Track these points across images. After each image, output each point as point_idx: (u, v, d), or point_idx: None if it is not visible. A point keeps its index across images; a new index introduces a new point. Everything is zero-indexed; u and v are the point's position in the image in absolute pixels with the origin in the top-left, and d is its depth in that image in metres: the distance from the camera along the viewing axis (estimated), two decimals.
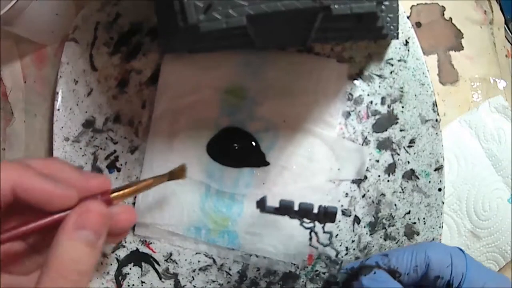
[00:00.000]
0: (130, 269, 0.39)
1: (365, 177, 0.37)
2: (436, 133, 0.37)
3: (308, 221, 0.36)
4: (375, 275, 0.30)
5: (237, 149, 0.37)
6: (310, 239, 0.37)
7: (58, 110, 0.40)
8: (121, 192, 0.28)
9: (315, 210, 0.33)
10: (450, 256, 0.30)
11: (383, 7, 0.34)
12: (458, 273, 0.29)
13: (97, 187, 0.27)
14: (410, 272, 0.30)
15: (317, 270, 0.37)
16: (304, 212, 0.33)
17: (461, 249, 0.31)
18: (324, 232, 0.37)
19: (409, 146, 0.37)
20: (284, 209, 0.33)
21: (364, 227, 0.37)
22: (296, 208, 0.33)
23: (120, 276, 0.39)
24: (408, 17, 0.38)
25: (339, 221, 0.37)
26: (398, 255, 0.31)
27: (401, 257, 0.31)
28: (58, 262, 0.23)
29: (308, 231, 0.36)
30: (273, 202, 0.36)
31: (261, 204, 0.36)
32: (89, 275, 0.24)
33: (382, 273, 0.30)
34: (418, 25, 0.40)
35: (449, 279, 0.29)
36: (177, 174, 0.32)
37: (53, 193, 0.24)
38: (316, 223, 0.36)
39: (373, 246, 0.37)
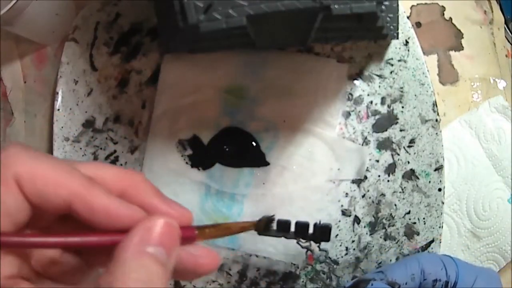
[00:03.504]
0: None
1: (365, 177, 0.37)
2: (436, 133, 0.37)
3: (304, 241, 0.36)
4: (373, 287, 0.31)
5: (237, 149, 0.37)
6: (306, 258, 0.37)
7: (58, 110, 0.40)
8: (208, 230, 0.23)
9: (311, 230, 0.32)
10: (440, 260, 0.32)
11: (383, 7, 0.34)
12: (452, 273, 0.31)
13: (179, 217, 0.21)
14: (408, 281, 0.31)
15: (317, 270, 0.37)
16: (300, 232, 0.33)
17: (447, 255, 0.33)
18: (320, 250, 0.37)
19: (409, 146, 0.37)
20: (281, 229, 0.33)
21: (364, 227, 0.37)
22: (292, 228, 0.32)
23: None
24: (408, 17, 0.38)
25: (339, 221, 0.37)
26: (392, 269, 0.32)
27: (396, 269, 0.32)
28: (123, 285, 0.18)
29: (304, 250, 0.37)
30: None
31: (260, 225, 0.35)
32: None
33: (380, 284, 0.31)
34: (418, 25, 0.40)
35: (446, 280, 0.31)
36: (265, 223, 0.28)
37: (121, 215, 0.20)
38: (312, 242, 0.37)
39: (373, 246, 0.37)
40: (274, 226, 0.29)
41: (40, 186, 0.19)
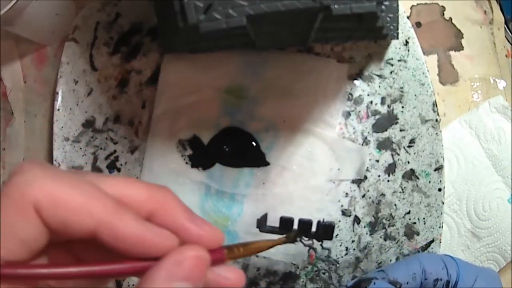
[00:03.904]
0: None
1: (365, 177, 0.37)
2: (436, 133, 0.37)
3: (307, 238, 0.36)
4: (375, 286, 0.31)
5: (237, 149, 0.37)
6: (309, 256, 0.37)
7: (58, 110, 0.40)
8: (237, 252, 0.22)
9: (314, 228, 0.32)
10: (441, 259, 0.32)
11: (383, 7, 0.34)
12: (453, 272, 0.31)
13: (210, 238, 0.20)
14: (409, 281, 0.31)
15: (317, 270, 0.37)
16: (303, 230, 0.33)
17: (448, 255, 0.33)
18: (323, 248, 0.37)
19: (409, 146, 0.37)
20: (284, 227, 0.33)
21: (364, 227, 0.37)
22: (295, 226, 0.32)
23: None
24: (408, 17, 0.38)
25: (339, 221, 0.37)
26: (393, 268, 0.32)
27: (397, 269, 0.32)
28: None
29: (307, 248, 0.37)
30: (275, 217, 0.35)
31: (262, 223, 0.35)
32: None
33: (382, 283, 0.31)
34: (418, 25, 0.40)
35: (447, 279, 0.31)
36: (292, 238, 0.28)
37: (149, 243, 0.18)
38: (315, 240, 0.37)
39: (373, 246, 0.37)
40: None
41: (62, 213, 0.17)
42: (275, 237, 0.27)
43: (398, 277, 0.31)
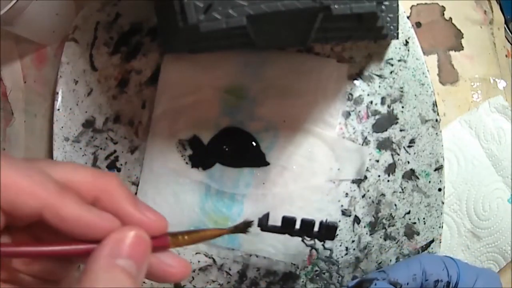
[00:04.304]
0: None
1: (365, 177, 0.37)
2: (436, 133, 0.37)
3: (309, 238, 0.36)
4: (376, 286, 0.31)
5: (237, 149, 0.37)
6: (310, 255, 0.37)
7: (58, 110, 0.40)
8: (181, 238, 0.22)
9: (316, 228, 0.32)
10: (442, 260, 0.32)
11: (383, 7, 0.34)
12: (453, 273, 0.31)
13: (153, 224, 0.21)
14: (410, 282, 0.31)
15: (317, 270, 0.37)
16: (305, 230, 0.33)
17: (448, 256, 0.33)
18: (325, 248, 0.37)
19: (409, 146, 0.37)
20: (286, 226, 0.33)
21: (364, 227, 0.37)
22: (297, 226, 0.32)
23: None
24: (408, 17, 0.38)
25: (339, 221, 0.37)
26: (394, 269, 0.32)
27: (398, 270, 0.32)
28: None
29: (309, 248, 0.37)
30: (275, 216, 0.34)
31: (263, 222, 0.34)
32: None
33: (383, 283, 0.31)
34: (418, 25, 0.40)
35: (448, 280, 0.31)
36: (241, 228, 0.27)
37: (91, 225, 0.19)
38: (317, 240, 0.37)
39: (373, 246, 0.37)
40: (268, 224, 0.30)
41: (10, 195, 0.18)
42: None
43: (399, 278, 0.31)
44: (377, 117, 0.38)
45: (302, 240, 0.36)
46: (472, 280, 0.31)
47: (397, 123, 0.37)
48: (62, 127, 0.40)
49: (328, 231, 0.32)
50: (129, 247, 0.19)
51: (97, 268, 0.18)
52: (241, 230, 0.27)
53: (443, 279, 0.31)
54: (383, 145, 0.37)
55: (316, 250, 0.37)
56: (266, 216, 0.34)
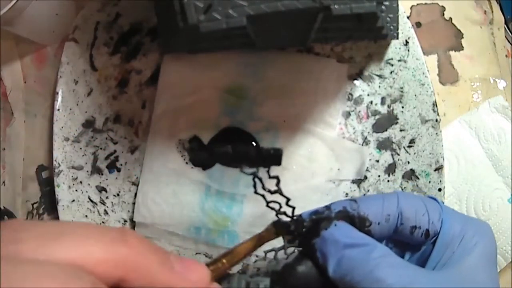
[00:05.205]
0: None
1: (365, 177, 0.37)
2: (436, 133, 0.37)
3: (248, 167, 0.28)
4: (336, 227, 0.25)
5: (238, 149, 0.37)
6: (254, 185, 0.27)
7: (58, 110, 0.40)
8: (221, 264, 0.22)
9: (252, 152, 0.28)
10: (423, 203, 0.26)
11: (383, 7, 0.34)
12: (435, 221, 0.25)
13: (196, 280, 0.18)
14: (381, 222, 0.26)
15: None
16: (241, 156, 0.28)
17: (433, 197, 0.27)
18: (270, 177, 0.28)
19: (409, 146, 0.37)
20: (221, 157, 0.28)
21: None
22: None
23: None
24: (408, 17, 0.38)
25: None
26: (367, 202, 0.26)
27: (371, 204, 0.26)
28: None
29: (251, 177, 0.27)
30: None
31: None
32: None
33: (344, 225, 0.25)
34: (418, 25, 0.40)
35: (427, 228, 0.25)
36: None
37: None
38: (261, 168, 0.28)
39: None
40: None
41: None
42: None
43: (370, 214, 0.26)
44: (377, 117, 0.38)
45: (241, 171, 0.27)
46: (456, 230, 0.25)
47: (397, 123, 0.37)
48: (62, 127, 0.40)
49: (272, 157, 0.27)
50: None
51: None
52: (275, 234, 0.25)
53: (422, 226, 0.25)
54: (383, 145, 0.37)
55: (260, 179, 0.27)
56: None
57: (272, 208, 0.26)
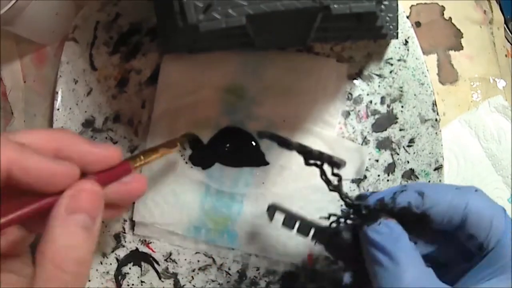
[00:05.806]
0: (130, 268, 0.39)
1: (365, 177, 0.37)
2: (436, 133, 0.37)
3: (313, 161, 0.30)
4: (379, 227, 0.25)
5: (237, 149, 0.37)
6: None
7: (58, 109, 0.40)
8: (138, 159, 0.27)
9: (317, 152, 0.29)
10: (491, 215, 0.25)
11: (382, 6, 0.34)
12: (494, 237, 0.24)
13: (114, 156, 0.24)
14: (442, 223, 0.25)
15: (317, 270, 0.37)
16: (303, 152, 0.30)
17: (503, 209, 0.26)
18: (333, 174, 0.29)
19: (408, 146, 0.37)
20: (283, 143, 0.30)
21: None
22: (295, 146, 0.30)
23: (119, 276, 0.39)
24: (407, 17, 0.38)
25: None
26: (435, 197, 0.25)
27: (438, 200, 0.25)
28: (53, 252, 0.20)
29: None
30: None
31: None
32: (89, 264, 0.22)
33: (390, 225, 0.25)
34: (417, 24, 0.40)
35: (482, 242, 0.24)
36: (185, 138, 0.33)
37: (51, 172, 0.21)
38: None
39: None
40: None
41: None
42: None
43: (433, 214, 0.25)
44: (376, 116, 0.38)
45: (306, 161, 0.30)
46: None
47: (396, 122, 0.37)
48: (61, 127, 0.40)
49: (333, 164, 0.28)
50: (84, 202, 0.22)
51: (55, 225, 0.21)
52: (187, 140, 0.32)
53: (480, 238, 0.24)
54: (383, 144, 0.37)
55: (324, 172, 0.29)
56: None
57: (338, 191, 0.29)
